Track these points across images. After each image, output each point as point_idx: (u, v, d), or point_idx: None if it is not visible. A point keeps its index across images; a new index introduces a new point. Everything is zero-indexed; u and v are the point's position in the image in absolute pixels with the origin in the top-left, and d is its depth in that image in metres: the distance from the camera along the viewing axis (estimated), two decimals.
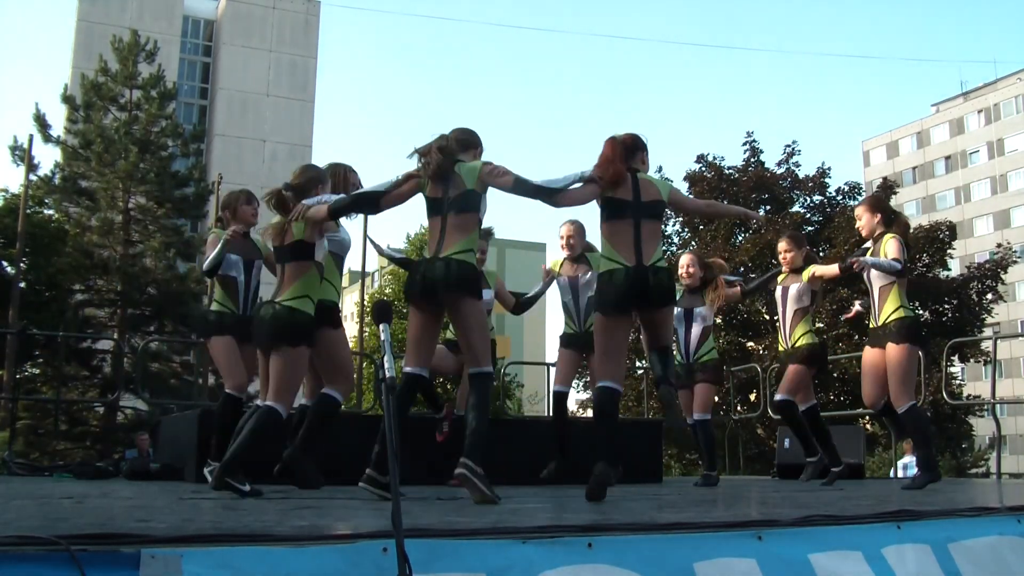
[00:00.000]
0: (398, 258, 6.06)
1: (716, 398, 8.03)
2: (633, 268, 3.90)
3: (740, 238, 23.95)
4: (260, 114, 50.26)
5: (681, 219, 24.21)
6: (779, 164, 24.77)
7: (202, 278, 21.97)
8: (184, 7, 51.42)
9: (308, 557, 1.83)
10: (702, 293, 6.22)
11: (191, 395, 17.35)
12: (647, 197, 4.04)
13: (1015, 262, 26.88)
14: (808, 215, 24.65)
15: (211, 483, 4.16)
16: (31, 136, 20.07)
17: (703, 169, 24.77)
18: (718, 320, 22.40)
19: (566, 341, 6.00)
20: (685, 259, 6.35)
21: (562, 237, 6.01)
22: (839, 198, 24.89)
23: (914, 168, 61.73)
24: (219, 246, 4.84)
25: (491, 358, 4.18)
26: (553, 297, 6.31)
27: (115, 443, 19.30)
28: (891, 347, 5.10)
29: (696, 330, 6.16)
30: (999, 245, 26.39)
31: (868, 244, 5.44)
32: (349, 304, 39.78)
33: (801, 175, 24.69)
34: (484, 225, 6.14)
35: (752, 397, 20.51)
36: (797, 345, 5.80)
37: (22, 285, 19.28)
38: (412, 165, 3.94)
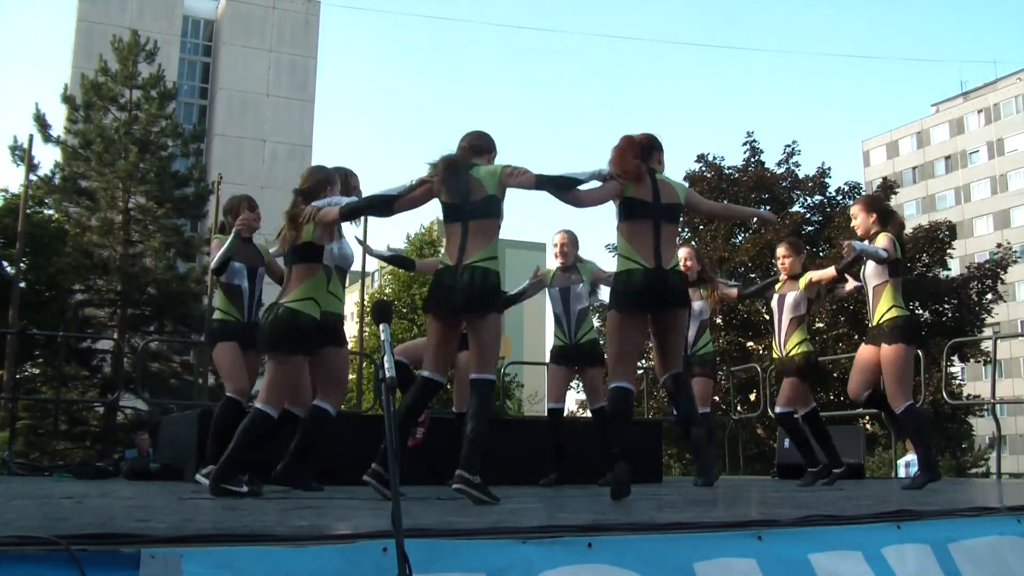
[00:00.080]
0: (387, 256, 6.07)
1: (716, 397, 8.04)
2: (653, 270, 3.92)
3: (740, 238, 23.96)
4: (260, 114, 50.27)
5: (681, 218, 24.20)
6: (779, 164, 24.79)
7: (202, 278, 22.02)
8: (184, 7, 51.43)
9: (308, 557, 1.83)
10: (699, 287, 6.23)
11: (191, 395, 17.38)
12: (666, 199, 4.06)
13: (1015, 262, 26.89)
14: (808, 215, 24.66)
15: (208, 490, 4.15)
16: (31, 136, 20.09)
17: (703, 169, 24.78)
18: (718, 320, 22.41)
19: (556, 356, 6.01)
20: (682, 252, 6.35)
21: (556, 245, 6.01)
22: (839, 198, 24.88)
23: (914, 168, 61.75)
24: (229, 240, 4.78)
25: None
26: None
27: (115, 443, 19.31)
28: (885, 347, 5.10)
29: (693, 324, 6.18)
30: (999, 245, 26.39)
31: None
32: (349, 304, 39.77)
33: (801, 175, 24.70)
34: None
35: (752, 397, 20.51)
36: (791, 354, 5.79)
37: (22, 285, 19.28)
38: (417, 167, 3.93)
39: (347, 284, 5.21)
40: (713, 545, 2.26)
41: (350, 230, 4.94)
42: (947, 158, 60.42)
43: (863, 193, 25.56)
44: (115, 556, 1.69)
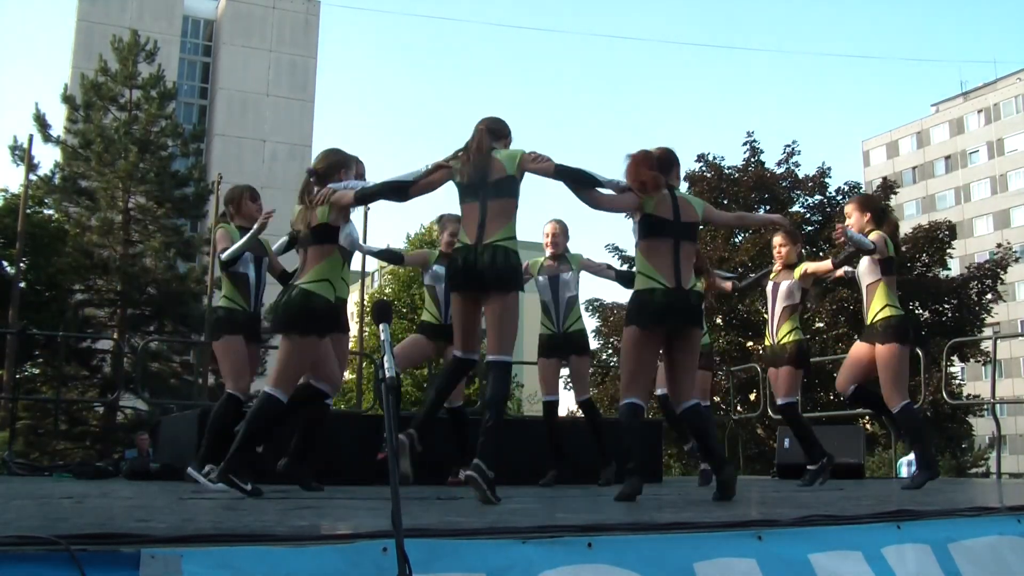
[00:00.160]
0: (376, 251, 6.10)
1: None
2: (673, 289, 3.94)
3: (740, 238, 23.96)
4: (260, 114, 50.27)
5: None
6: (779, 164, 24.77)
7: (202, 278, 22.03)
8: (184, 7, 51.43)
9: (308, 557, 1.83)
10: (695, 279, 6.24)
11: (191, 395, 17.37)
12: (686, 218, 4.08)
13: (1015, 262, 26.89)
14: (808, 215, 24.66)
15: (215, 477, 4.13)
16: (31, 136, 20.08)
17: (703, 169, 24.77)
18: (718, 320, 22.42)
19: (544, 347, 6.03)
20: None
21: (546, 235, 6.03)
22: (839, 198, 24.85)
23: (914, 168, 61.76)
24: (248, 236, 4.71)
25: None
26: None
27: (115, 443, 19.31)
28: (879, 347, 5.14)
29: None
30: (999, 245, 26.38)
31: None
32: (349, 304, 39.78)
33: (801, 175, 24.68)
34: (452, 212, 6.17)
35: (752, 397, 20.50)
36: (783, 342, 5.80)
37: (22, 285, 19.28)
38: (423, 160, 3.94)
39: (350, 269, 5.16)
40: (713, 545, 2.26)
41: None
42: (947, 158, 60.43)
43: (869, 194, 25.59)
44: (115, 556, 1.69)
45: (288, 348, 4.08)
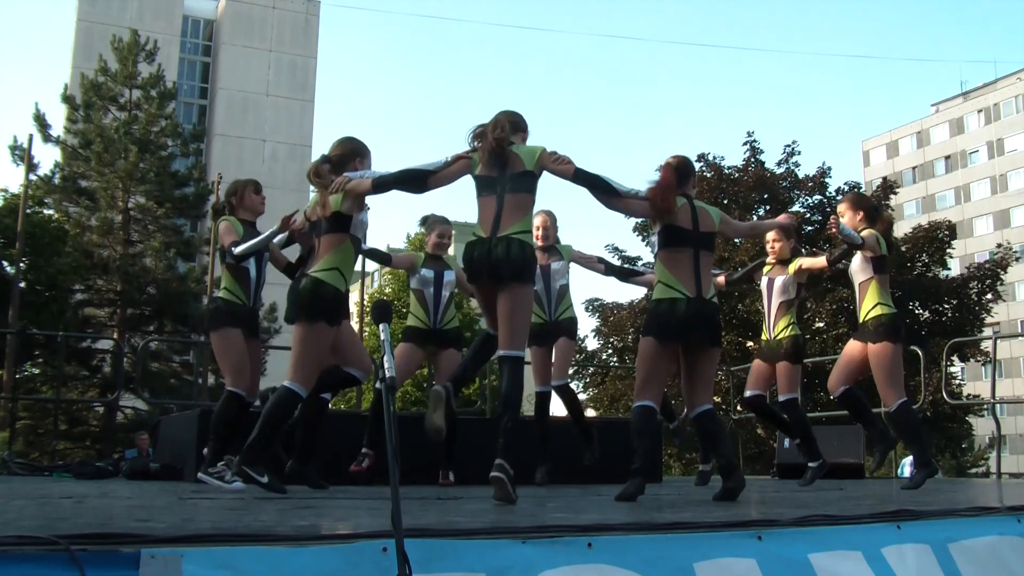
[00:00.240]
0: (366, 250, 6.09)
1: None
2: (695, 299, 3.97)
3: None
4: (260, 114, 50.25)
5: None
6: (779, 164, 24.77)
7: (202, 278, 22.03)
8: (184, 7, 51.42)
9: (308, 557, 1.83)
10: None
11: (191, 395, 17.36)
12: (705, 227, 4.12)
13: (1015, 262, 26.90)
14: (808, 215, 24.67)
15: (232, 469, 4.08)
16: (31, 136, 20.07)
17: (703, 169, 24.75)
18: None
19: (536, 335, 6.00)
20: None
21: (537, 228, 6.04)
22: (839, 198, 24.85)
23: (914, 168, 61.76)
24: (266, 234, 4.60)
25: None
26: None
27: (115, 443, 19.32)
28: (872, 347, 5.16)
29: None
30: (999, 245, 26.41)
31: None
32: (349, 304, 39.77)
33: (801, 175, 24.69)
34: (439, 213, 6.15)
35: None
36: (779, 338, 5.81)
37: (22, 285, 19.28)
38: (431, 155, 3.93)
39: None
40: (713, 545, 2.26)
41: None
42: (947, 158, 60.43)
43: (863, 193, 25.58)
44: (115, 556, 1.69)
45: (298, 336, 4.01)
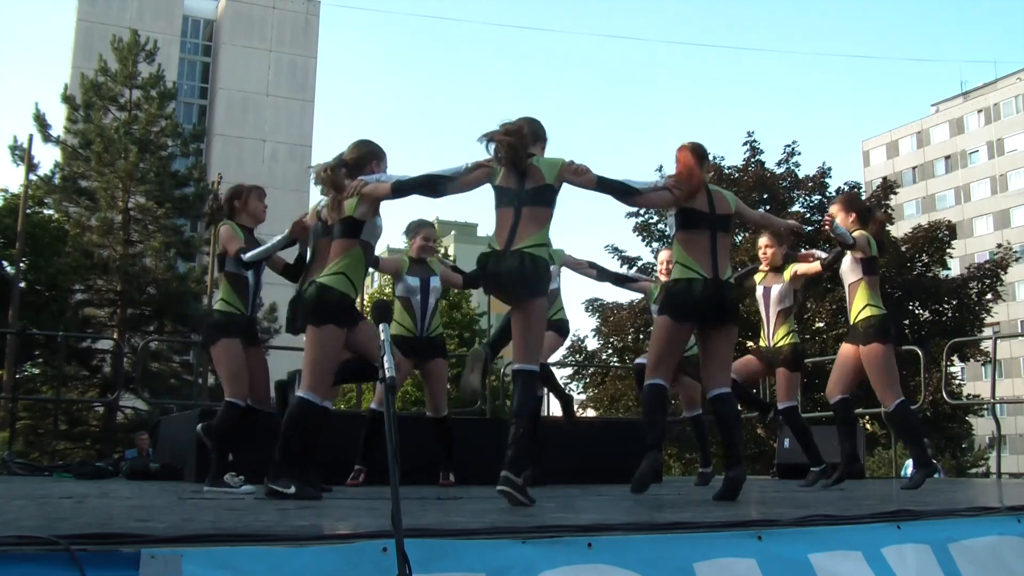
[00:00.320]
0: None
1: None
2: (712, 280, 4.00)
3: (740, 237, 23.97)
4: (260, 114, 50.24)
5: None
6: (779, 164, 24.77)
7: (202, 278, 22.03)
8: (184, 7, 51.40)
9: (308, 557, 1.83)
10: None
11: (191, 395, 17.33)
12: (721, 210, 4.16)
13: (1015, 262, 26.89)
14: (808, 215, 24.66)
15: (263, 491, 3.97)
16: (31, 136, 20.03)
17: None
18: None
19: None
20: (664, 255, 6.38)
21: None
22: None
23: (914, 168, 61.74)
24: (276, 240, 4.54)
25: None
26: None
27: (115, 443, 19.32)
28: (863, 349, 5.18)
29: None
30: (999, 245, 26.41)
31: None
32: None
33: (801, 175, 24.69)
34: (430, 218, 6.11)
35: None
36: (779, 346, 5.80)
37: (22, 285, 19.27)
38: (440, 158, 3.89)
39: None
40: (713, 545, 2.26)
41: None
42: (947, 158, 60.41)
43: (864, 193, 25.60)
44: (115, 556, 1.69)
45: (308, 340, 3.96)
